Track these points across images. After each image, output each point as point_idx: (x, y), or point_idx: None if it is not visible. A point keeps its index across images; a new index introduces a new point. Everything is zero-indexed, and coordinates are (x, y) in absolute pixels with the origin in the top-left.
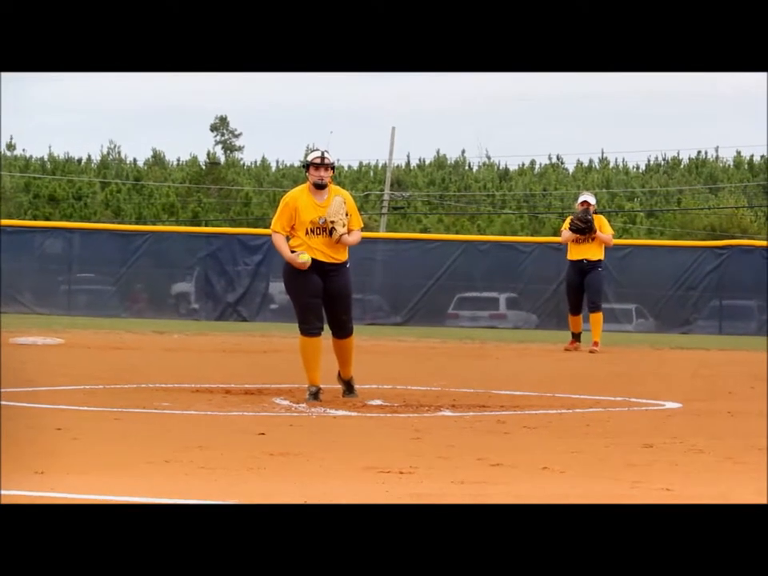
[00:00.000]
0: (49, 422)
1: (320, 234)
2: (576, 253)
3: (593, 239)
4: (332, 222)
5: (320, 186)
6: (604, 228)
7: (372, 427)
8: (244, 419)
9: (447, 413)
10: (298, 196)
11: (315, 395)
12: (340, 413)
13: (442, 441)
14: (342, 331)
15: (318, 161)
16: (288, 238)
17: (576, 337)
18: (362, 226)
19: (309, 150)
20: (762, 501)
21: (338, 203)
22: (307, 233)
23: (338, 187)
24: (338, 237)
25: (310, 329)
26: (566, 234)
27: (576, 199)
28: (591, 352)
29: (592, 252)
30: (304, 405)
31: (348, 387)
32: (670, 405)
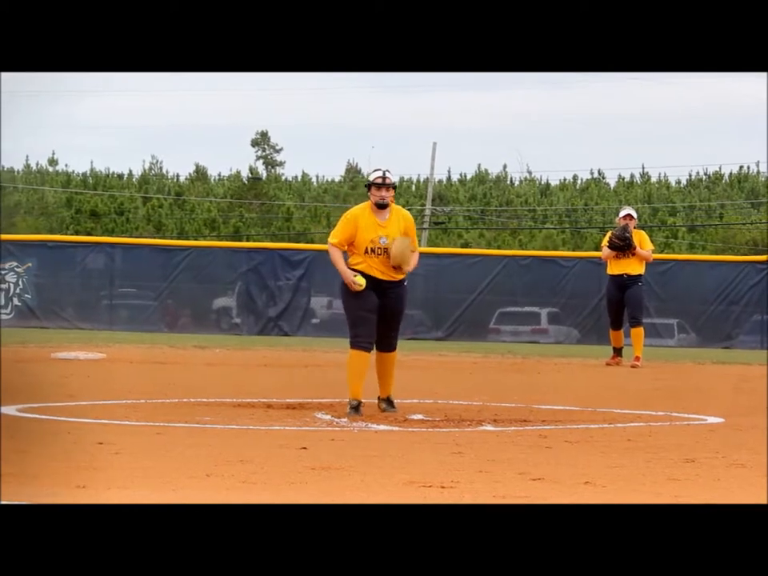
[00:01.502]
0: (90, 437)
1: (380, 254)
2: (616, 268)
3: (633, 254)
4: (394, 240)
5: (382, 206)
6: (644, 244)
7: (413, 442)
8: (285, 433)
9: (489, 427)
10: (360, 214)
11: (356, 408)
12: (382, 427)
13: (483, 455)
14: (387, 346)
15: (380, 181)
16: (345, 254)
17: (617, 352)
18: (418, 249)
19: (370, 171)
20: None
21: (399, 226)
22: (367, 251)
23: (399, 207)
24: (398, 264)
25: (360, 342)
26: (605, 250)
27: (618, 214)
28: (633, 367)
29: (632, 267)
30: (345, 419)
31: (387, 402)
32: (711, 419)
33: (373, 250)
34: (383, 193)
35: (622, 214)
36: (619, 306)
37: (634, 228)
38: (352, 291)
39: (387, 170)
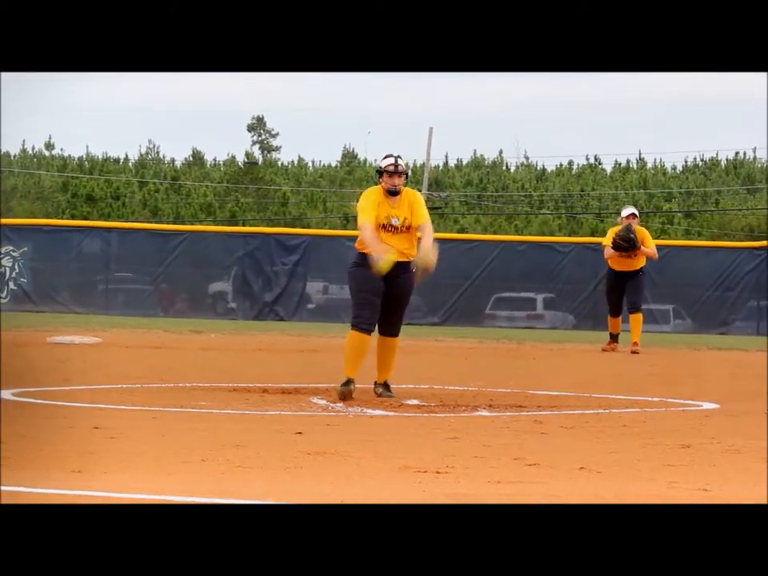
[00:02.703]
0: (86, 421)
1: (390, 231)
2: (618, 265)
3: (635, 255)
4: (405, 219)
5: (393, 194)
6: (647, 242)
7: (409, 427)
8: (281, 418)
9: (484, 413)
10: (376, 192)
11: (346, 384)
12: (377, 412)
13: (478, 441)
14: (388, 330)
15: (392, 168)
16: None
17: (614, 338)
18: (428, 218)
19: (381, 157)
20: None
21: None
22: (381, 228)
23: (407, 189)
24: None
25: (360, 323)
26: (608, 251)
27: (620, 213)
28: (633, 353)
29: (635, 264)
30: (341, 404)
31: (384, 386)
32: (707, 405)
33: (385, 227)
34: (395, 180)
35: (625, 213)
36: (619, 294)
37: (636, 226)
38: (361, 271)
39: (399, 156)
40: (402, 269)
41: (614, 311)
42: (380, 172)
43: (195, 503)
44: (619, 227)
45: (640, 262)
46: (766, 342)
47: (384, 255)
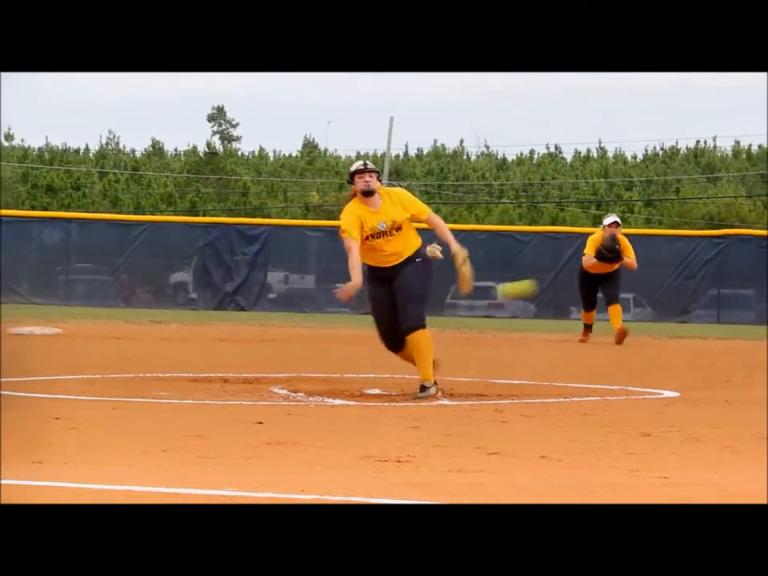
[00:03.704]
0: (47, 412)
1: (380, 237)
2: (595, 269)
3: (617, 265)
4: (393, 222)
5: (368, 193)
6: (628, 251)
7: (370, 416)
8: (242, 408)
9: (445, 402)
10: (355, 205)
11: (427, 387)
12: (338, 402)
13: (439, 429)
14: (403, 325)
15: (362, 167)
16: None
17: (588, 327)
18: (429, 209)
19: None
20: (758, 488)
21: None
22: (368, 238)
23: (387, 188)
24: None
25: (385, 344)
26: (590, 260)
27: (602, 221)
28: (619, 342)
29: (610, 269)
30: (302, 394)
31: (420, 387)
32: (667, 394)
33: (374, 236)
34: (366, 178)
35: (608, 221)
36: (592, 291)
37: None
38: (368, 288)
39: (366, 161)
40: (400, 266)
41: (588, 306)
42: (351, 178)
43: (156, 493)
44: (599, 236)
45: (615, 266)
46: (725, 331)
47: (350, 289)
